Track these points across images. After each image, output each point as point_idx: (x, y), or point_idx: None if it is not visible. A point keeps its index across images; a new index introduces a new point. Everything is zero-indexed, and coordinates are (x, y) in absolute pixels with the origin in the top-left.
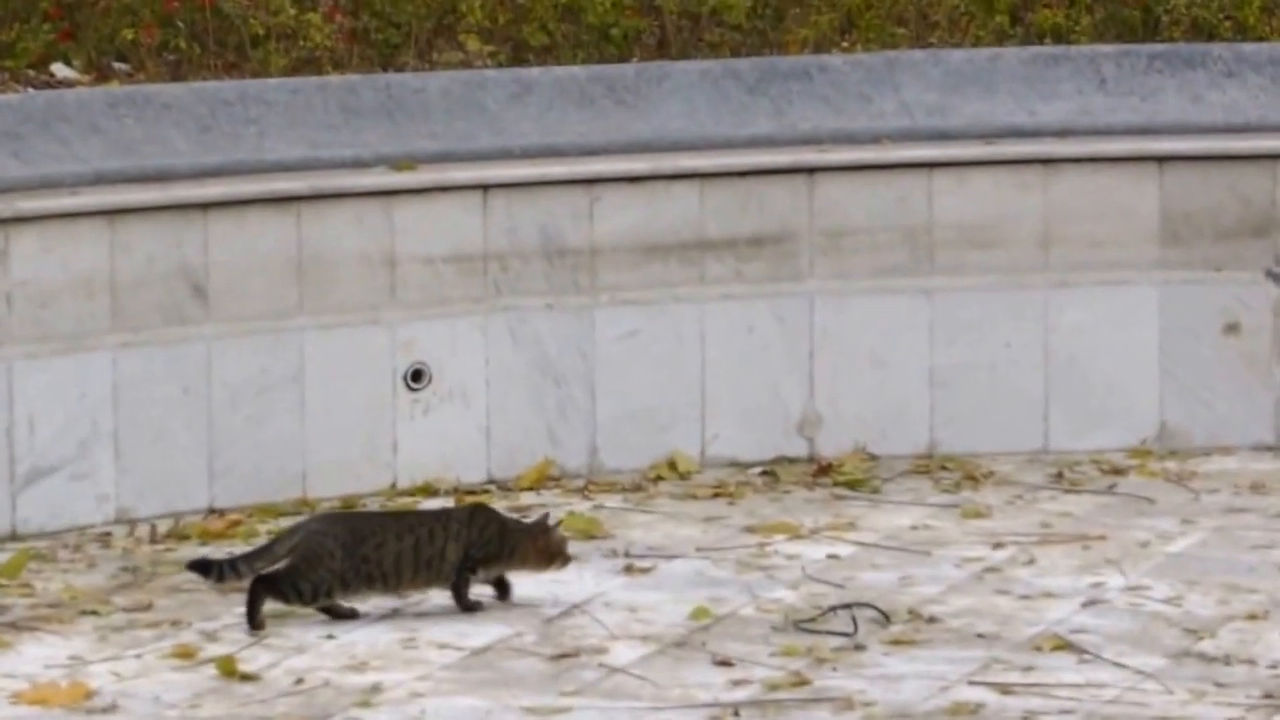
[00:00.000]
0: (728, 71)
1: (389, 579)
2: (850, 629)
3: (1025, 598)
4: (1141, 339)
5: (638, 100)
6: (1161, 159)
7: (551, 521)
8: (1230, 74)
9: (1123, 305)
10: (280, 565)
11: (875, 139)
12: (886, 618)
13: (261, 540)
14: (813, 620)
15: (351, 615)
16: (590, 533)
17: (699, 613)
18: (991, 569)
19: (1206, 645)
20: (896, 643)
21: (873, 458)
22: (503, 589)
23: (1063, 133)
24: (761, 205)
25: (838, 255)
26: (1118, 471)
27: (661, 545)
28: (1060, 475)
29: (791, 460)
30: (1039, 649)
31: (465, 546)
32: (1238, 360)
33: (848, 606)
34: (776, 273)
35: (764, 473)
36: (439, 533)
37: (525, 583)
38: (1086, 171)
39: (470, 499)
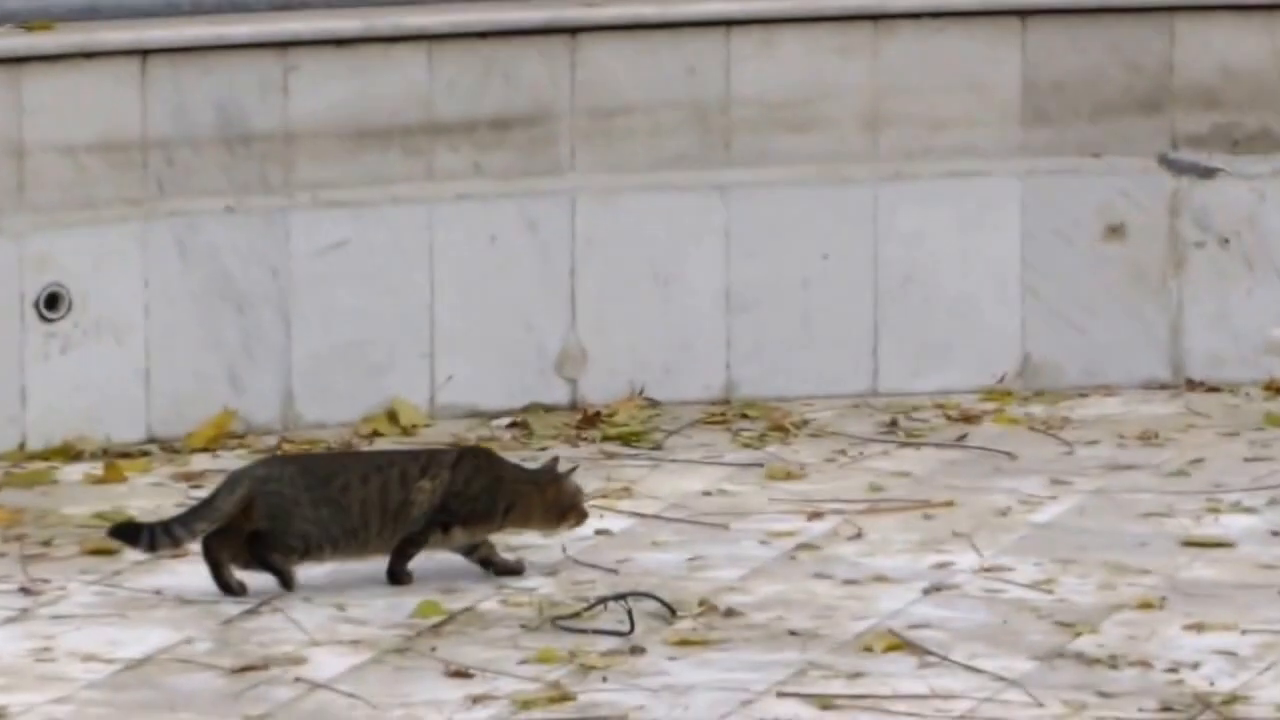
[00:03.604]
0: None
1: (358, 533)
2: (625, 627)
3: (851, 583)
4: (998, 247)
5: None
6: (1024, 12)
7: (561, 468)
8: None
9: (974, 204)
10: (258, 527)
11: None
12: (672, 611)
13: None
14: (576, 616)
15: (240, 590)
16: None
17: (426, 609)
18: (806, 546)
19: (1086, 643)
20: (685, 643)
21: (653, 404)
22: (489, 565)
23: None
24: (508, 77)
25: (607, 142)
26: (968, 419)
27: None
28: (894, 424)
29: (548, 408)
30: (869, 650)
31: (445, 496)
32: (1122, 273)
33: (621, 597)
34: (528, 165)
35: (513, 424)
36: (413, 473)
37: (192, 572)
38: (927, 31)
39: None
